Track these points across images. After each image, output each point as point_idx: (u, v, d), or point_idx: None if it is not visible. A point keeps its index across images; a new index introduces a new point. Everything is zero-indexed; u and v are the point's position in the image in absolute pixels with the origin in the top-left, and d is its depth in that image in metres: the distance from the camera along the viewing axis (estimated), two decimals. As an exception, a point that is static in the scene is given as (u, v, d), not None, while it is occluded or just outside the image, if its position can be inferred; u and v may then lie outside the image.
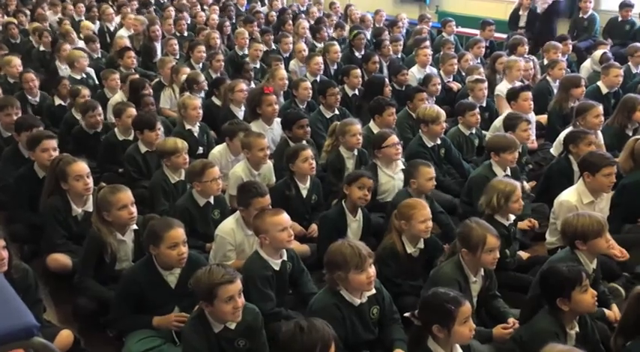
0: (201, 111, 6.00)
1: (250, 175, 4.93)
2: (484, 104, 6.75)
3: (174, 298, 3.60)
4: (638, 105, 5.83)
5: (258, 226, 3.68)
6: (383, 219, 4.60)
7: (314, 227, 4.73)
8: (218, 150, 5.51)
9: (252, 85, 7.17)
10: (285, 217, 3.71)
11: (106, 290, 3.83)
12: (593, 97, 6.44)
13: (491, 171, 4.90)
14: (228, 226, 4.11)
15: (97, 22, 10.79)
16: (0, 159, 5.33)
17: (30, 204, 4.70)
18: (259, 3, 13.08)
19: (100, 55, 9.09)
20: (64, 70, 7.92)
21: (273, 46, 9.31)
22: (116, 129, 5.78)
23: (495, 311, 3.74)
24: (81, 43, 9.11)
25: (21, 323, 2.16)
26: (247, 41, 9.05)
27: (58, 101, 6.83)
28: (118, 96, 6.73)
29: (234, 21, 11.19)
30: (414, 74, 7.84)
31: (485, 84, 6.83)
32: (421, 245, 4.00)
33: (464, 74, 7.92)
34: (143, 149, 5.36)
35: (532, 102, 6.26)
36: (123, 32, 9.98)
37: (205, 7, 12.46)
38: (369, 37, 10.01)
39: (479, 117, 6.10)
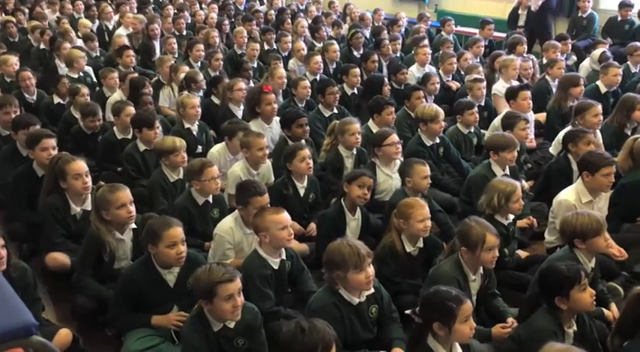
0: (200, 110, 6.00)
1: (249, 174, 4.92)
2: (483, 103, 6.75)
3: (172, 297, 3.60)
4: (637, 105, 5.83)
5: (258, 224, 3.68)
6: (381, 219, 4.60)
7: (312, 226, 4.73)
8: (217, 149, 5.50)
9: (251, 84, 7.17)
10: (285, 216, 3.71)
11: (104, 289, 3.83)
12: (592, 96, 6.45)
13: (490, 170, 4.90)
14: (227, 225, 4.11)
15: (97, 21, 10.77)
16: (-2, 158, 5.33)
17: (29, 202, 4.70)
18: (258, 2, 13.08)
19: (98, 54, 9.08)
20: (63, 68, 7.91)
21: (274, 46, 9.30)
22: (115, 128, 5.77)
23: (494, 310, 3.74)
24: (80, 42, 9.10)
25: (20, 322, 2.16)
26: (246, 40, 9.04)
27: (57, 99, 6.82)
28: (117, 95, 6.72)
29: (233, 20, 11.18)
30: (413, 73, 7.84)
31: (484, 83, 6.83)
32: (420, 244, 4.00)
33: (463, 73, 7.92)
34: (142, 148, 5.36)
35: (531, 102, 6.27)
36: (121, 31, 9.97)
37: (204, 6, 12.45)
38: (368, 35, 10.01)
39: (477, 115, 6.11)
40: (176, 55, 8.59)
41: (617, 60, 7.72)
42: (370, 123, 5.89)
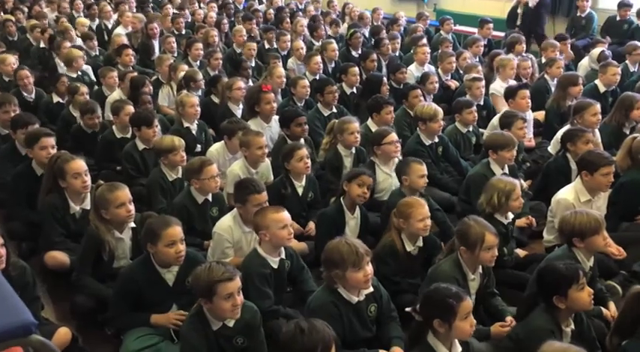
0: (199, 109, 6.00)
1: (248, 173, 4.92)
2: (482, 102, 6.76)
3: (172, 296, 3.60)
4: (635, 104, 5.84)
5: (258, 222, 3.68)
6: (380, 218, 4.60)
7: (311, 225, 4.72)
8: (216, 148, 5.51)
9: (250, 83, 7.17)
10: (286, 215, 3.72)
11: (104, 288, 3.83)
12: (590, 96, 6.45)
13: (489, 169, 4.90)
14: (226, 223, 4.11)
15: (97, 20, 10.77)
16: (-2, 157, 5.33)
17: (28, 201, 4.70)
18: (257, 1, 13.07)
19: (97, 53, 9.08)
20: (63, 67, 7.91)
21: (275, 45, 9.30)
22: (114, 127, 5.77)
23: (493, 309, 3.74)
24: (80, 41, 9.09)
25: (19, 321, 2.16)
26: (245, 39, 9.04)
27: (56, 98, 6.81)
28: (116, 94, 6.72)
29: (232, 19, 11.18)
30: (412, 72, 7.84)
31: (483, 82, 6.84)
32: (420, 243, 4.01)
33: (462, 72, 7.93)
34: (141, 146, 5.36)
35: (530, 101, 6.28)
36: (120, 30, 9.96)
37: (203, 5, 12.45)
38: (367, 35, 10.01)
39: (476, 114, 6.11)
40: (175, 54, 8.59)
41: (616, 59, 7.72)
42: (369, 122, 5.89)
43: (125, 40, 8.96)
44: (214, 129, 6.28)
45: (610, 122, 5.97)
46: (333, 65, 8.39)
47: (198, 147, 5.90)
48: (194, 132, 5.96)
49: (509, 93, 6.32)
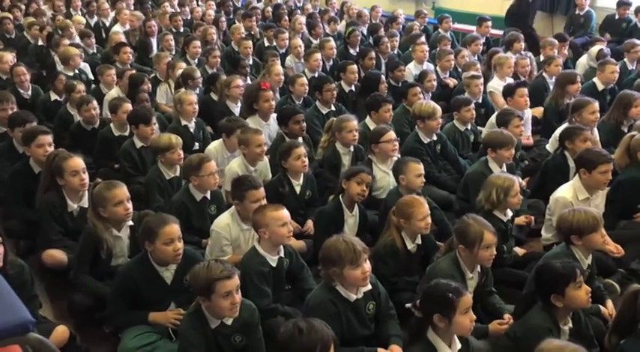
0: (197, 107, 5.98)
1: (246, 171, 4.91)
2: (480, 100, 6.76)
3: (169, 294, 3.60)
4: (633, 102, 5.84)
5: (258, 220, 3.67)
6: (378, 217, 4.60)
7: (310, 223, 4.72)
8: (214, 146, 5.50)
9: (249, 81, 7.16)
10: (285, 213, 3.71)
11: (101, 286, 3.83)
12: (588, 94, 6.46)
13: (488, 167, 4.90)
14: (224, 221, 4.11)
15: (95, 17, 10.75)
16: (-5, 155, 5.32)
17: (26, 199, 4.70)
18: (255, -1, 13.05)
19: (95, 51, 9.06)
20: (61, 65, 7.89)
21: (274, 42, 9.29)
22: (112, 125, 5.77)
23: (491, 307, 3.74)
24: (78, 39, 9.07)
25: (16, 319, 2.16)
26: (243, 36, 9.02)
27: (54, 96, 6.80)
28: (114, 92, 6.71)
29: (231, 16, 11.16)
30: (411, 70, 7.84)
31: (481, 80, 6.83)
32: (419, 241, 4.00)
33: (460, 70, 7.92)
34: (138, 144, 5.36)
35: (528, 99, 6.28)
36: (118, 28, 9.94)
37: (201, 3, 12.43)
38: (365, 32, 10.00)
39: (474, 112, 6.11)
40: (173, 52, 8.57)
41: (614, 57, 7.72)
42: (367, 120, 5.88)
43: (123, 38, 8.95)
44: (212, 127, 6.26)
45: (608, 120, 5.97)
46: (331, 63, 8.38)
47: (196, 145, 5.89)
48: (192, 130, 5.94)
49: (508, 92, 6.32)
